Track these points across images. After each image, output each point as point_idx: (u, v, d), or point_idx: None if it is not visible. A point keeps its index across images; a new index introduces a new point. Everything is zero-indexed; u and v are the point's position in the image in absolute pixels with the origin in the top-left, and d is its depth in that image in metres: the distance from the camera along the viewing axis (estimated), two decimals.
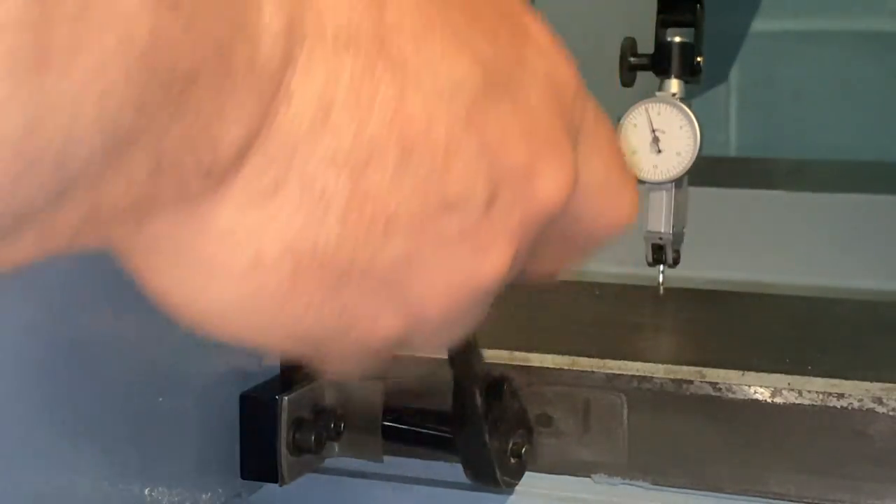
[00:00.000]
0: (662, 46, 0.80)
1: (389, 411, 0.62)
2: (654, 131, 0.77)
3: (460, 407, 0.57)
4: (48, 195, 0.25)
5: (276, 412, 0.61)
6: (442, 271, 0.33)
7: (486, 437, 0.56)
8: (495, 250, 0.34)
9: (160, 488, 0.58)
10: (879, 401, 0.57)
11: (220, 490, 0.62)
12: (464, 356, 0.56)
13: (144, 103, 0.25)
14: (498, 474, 0.57)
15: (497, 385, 0.57)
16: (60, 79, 0.23)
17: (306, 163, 0.29)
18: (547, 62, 0.36)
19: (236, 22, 0.27)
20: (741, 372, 0.59)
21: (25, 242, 0.26)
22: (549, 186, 0.34)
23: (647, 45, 0.82)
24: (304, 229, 0.30)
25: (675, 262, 0.80)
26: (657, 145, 0.76)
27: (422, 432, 0.61)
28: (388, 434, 0.62)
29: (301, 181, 0.29)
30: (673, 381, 0.60)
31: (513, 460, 0.58)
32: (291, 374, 0.64)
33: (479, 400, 0.56)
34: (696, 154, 0.76)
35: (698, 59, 0.80)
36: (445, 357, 0.57)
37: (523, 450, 0.58)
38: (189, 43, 0.25)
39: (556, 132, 0.35)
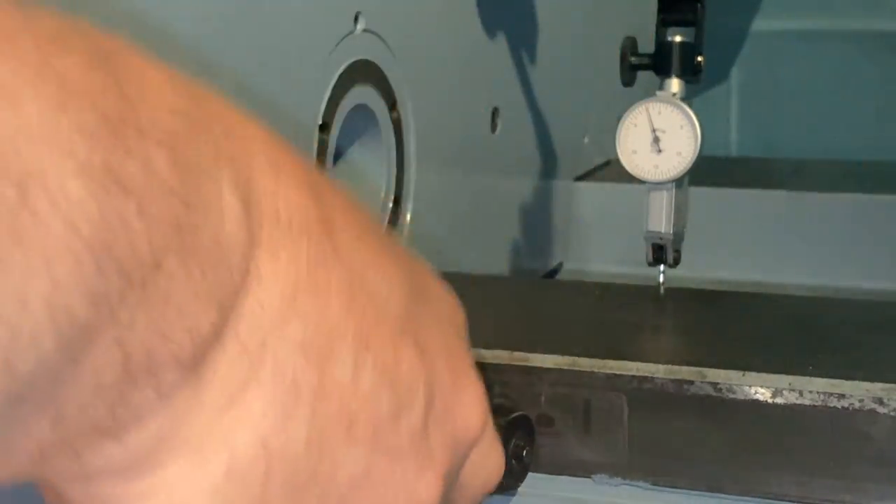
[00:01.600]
0: (663, 46, 0.80)
1: None
2: (654, 131, 0.76)
3: None
4: None
5: None
6: (389, 492, 0.31)
7: None
8: (432, 467, 0.33)
9: None
10: (881, 401, 0.56)
11: None
12: None
13: (102, 293, 0.23)
14: (500, 478, 0.57)
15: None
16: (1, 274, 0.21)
17: (277, 348, 0.28)
18: (442, 292, 0.36)
19: (196, 201, 0.25)
20: (742, 372, 0.59)
21: None
22: (469, 413, 0.35)
23: (647, 45, 0.82)
24: (277, 422, 0.28)
25: (676, 261, 0.79)
26: (658, 145, 0.76)
27: None
28: None
29: (273, 368, 0.28)
30: (673, 381, 0.60)
31: (514, 463, 0.58)
32: None
33: None
34: (696, 154, 0.76)
35: (699, 58, 0.80)
36: None
37: (525, 451, 0.58)
38: (145, 226, 0.24)
39: (467, 356, 0.36)
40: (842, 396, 0.57)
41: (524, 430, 0.59)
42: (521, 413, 0.58)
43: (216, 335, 0.27)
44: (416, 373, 0.32)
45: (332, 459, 0.30)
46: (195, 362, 0.26)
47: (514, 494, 0.62)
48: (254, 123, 0.30)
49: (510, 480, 0.58)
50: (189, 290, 0.25)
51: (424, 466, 0.33)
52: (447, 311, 0.36)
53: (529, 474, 0.61)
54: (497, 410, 0.56)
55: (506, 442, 0.58)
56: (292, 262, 0.28)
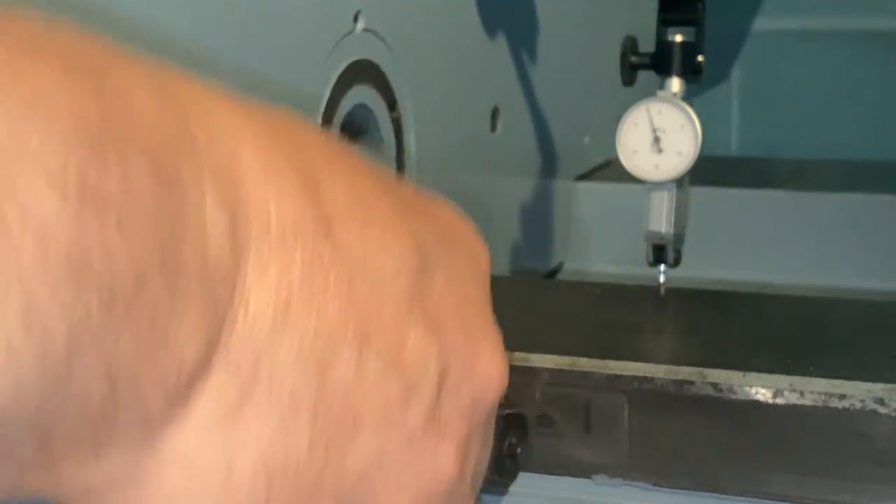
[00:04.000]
0: (663, 45, 0.80)
1: None
2: (654, 131, 0.76)
3: None
4: None
5: None
6: (405, 473, 0.31)
7: None
8: (449, 442, 0.33)
9: None
10: (881, 402, 0.56)
11: None
12: None
13: (83, 313, 0.22)
14: (491, 475, 0.57)
15: None
16: None
17: (273, 365, 0.27)
18: (464, 237, 0.36)
19: (178, 220, 0.25)
20: (742, 373, 0.59)
21: None
22: (488, 369, 0.34)
23: (648, 44, 0.82)
24: (275, 438, 0.28)
25: (677, 262, 0.79)
26: (658, 145, 0.76)
27: None
28: None
29: (269, 385, 0.27)
30: (674, 381, 0.60)
31: (507, 460, 0.58)
32: None
33: None
34: (697, 154, 0.76)
35: (699, 58, 0.79)
36: None
37: (518, 449, 0.58)
38: (125, 242, 0.23)
39: (485, 306, 0.35)
40: (843, 397, 0.57)
41: (518, 428, 0.59)
42: (516, 410, 0.58)
43: (205, 360, 0.26)
44: (426, 350, 0.32)
45: (340, 456, 0.29)
46: (184, 388, 0.26)
47: (505, 493, 0.62)
48: (242, 118, 0.29)
49: (503, 478, 0.58)
50: (175, 312, 0.24)
51: (441, 439, 0.32)
52: (466, 255, 0.35)
53: (530, 474, 0.61)
54: None
55: (500, 439, 0.57)
56: (284, 275, 0.28)
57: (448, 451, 0.33)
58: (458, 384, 0.33)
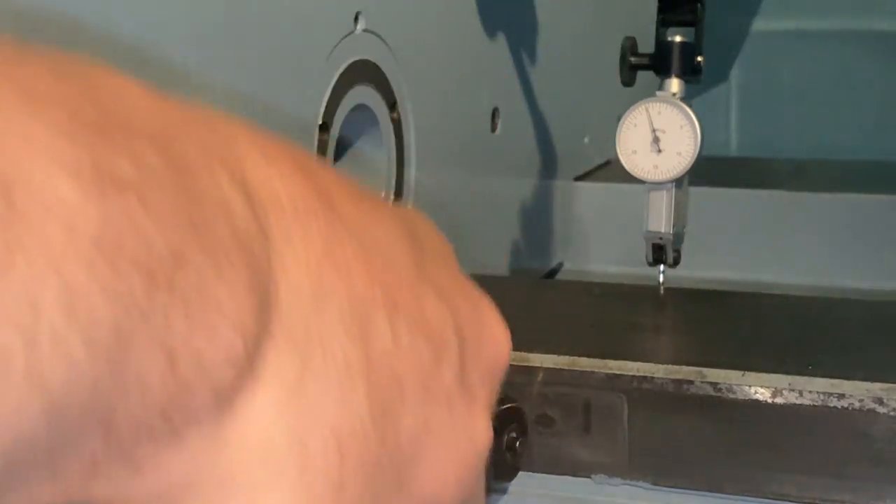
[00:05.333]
0: (663, 46, 0.80)
1: None
2: (654, 131, 0.76)
3: None
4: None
5: None
6: (452, 440, 0.32)
7: None
8: (480, 405, 0.33)
9: None
10: (880, 401, 0.56)
11: None
12: None
13: (126, 294, 0.22)
14: (491, 470, 0.57)
15: None
16: (3, 279, 0.20)
17: (322, 334, 0.27)
18: (425, 226, 0.37)
19: (199, 197, 0.25)
20: (741, 372, 0.59)
21: (30, 493, 0.22)
22: (496, 333, 0.35)
23: (647, 45, 0.82)
24: (340, 410, 0.28)
25: (676, 261, 0.79)
26: (657, 145, 0.76)
27: None
28: None
29: (324, 355, 0.27)
30: (673, 381, 0.60)
31: (507, 454, 0.58)
32: None
33: None
34: (696, 154, 0.76)
35: (699, 58, 0.80)
36: None
37: (518, 443, 0.58)
38: (153, 220, 0.23)
39: (467, 279, 0.36)
40: (842, 396, 0.57)
41: (517, 422, 0.59)
42: (515, 404, 0.58)
43: (264, 327, 0.26)
44: (443, 317, 0.32)
45: (395, 424, 0.30)
46: (250, 357, 0.26)
47: (505, 492, 0.62)
48: (233, 118, 0.29)
49: (504, 473, 0.58)
50: (223, 284, 0.24)
51: (472, 404, 0.33)
52: (440, 246, 0.36)
53: (530, 474, 0.61)
54: None
55: (499, 433, 0.58)
56: (309, 245, 0.28)
57: (481, 416, 0.33)
58: (474, 350, 0.34)
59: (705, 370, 0.59)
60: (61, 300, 0.21)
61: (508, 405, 0.58)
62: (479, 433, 0.33)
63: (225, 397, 0.25)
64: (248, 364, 0.25)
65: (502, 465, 0.58)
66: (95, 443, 0.23)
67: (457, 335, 0.33)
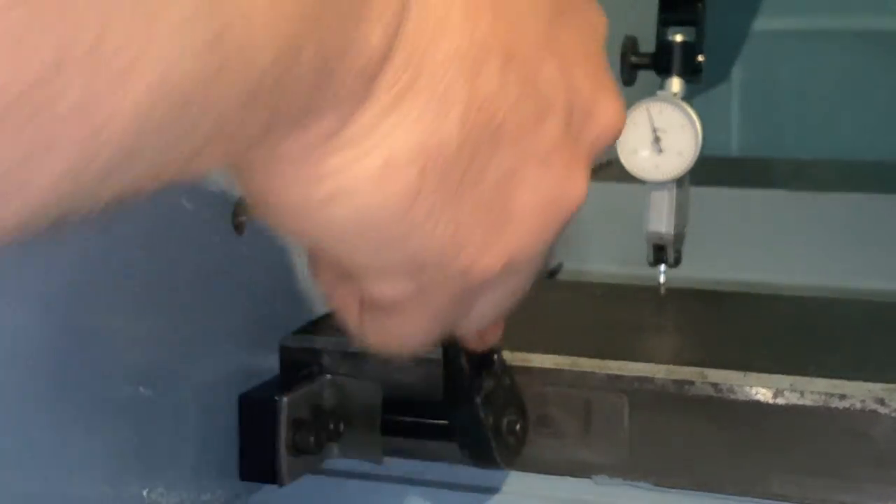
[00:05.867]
0: (663, 45, 0.80)
1: (388, 408, 0.62)
2: (655, 131, 0.76)
3: (451, 385, 0.56)
4: (238, 101, 0.26)
5: (276, 413, 0.60)
6: (539, 188, 0.35)
7: (480, 412, 0.56)
8: (578, 167, 0.37)
9: (159, 489, 0.58)
10: (882, 402, 0.56)
11: (220, 491, 0.62)
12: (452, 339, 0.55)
13: (307, 4, 0.26)
14: (494, 451, 0.57)
15: (486, 357, 0.56)
16: None
17: (433, 62, 0.31)
18: (583, 4, 0.39)
19: None
20: (743, 373, 0.59)
21: (214, 152, 0.27)
22: (609, 113, 0.38)
23: (648, 44, 0.82)
24: (430, 128, 0.31)
25: (677, 262, 0.79)
26: (658, 145, 0.76)
27: (419, 423, 0.61)
28: (386, 429, 0.62)
29: (429, 80, 0.31)
30: (674, 381, 0.60)
31: (509, 437, 0.58)
32: (291, 375, 0.64)
33: (466, 367, 0.55)
34: (697, 153, 0.76)
35: (700, 58, 0.79)
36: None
37: (518, 426, 0.58)
38: None
39: (606, 64, 0.38)
40: (843, 397, 0.57)
41: (515, 405, 0.58)
42: (496, 354, 0.57)
43: (390, 42, 0.30)
44: (556, 82, 0.35)
45: (483, 162, 0.33)
46: (376, 66, 0.30)
47: (507, 488, 0.62)
48: None
49: (505, 456, 0.58)
50: (360, 8, 0.28)
51: (571, 166, 0.36)
52: (588, 21, 0.38)
53: (530, 474, 0.61)
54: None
55: (498, 418, 0.57)
56: None
57: (579, 174, 0.37)
58: (583, 119, 0.37)
59: (706, 371, 0.59)
60: (269, 12, 0.25)
61: (507, 383, 0.57)
62: (572, 189, 0.36)
63: (354, 91, 0.30)
64: (369, 77, 0.30)
65: (504, 445, 0.57)
66: (270, 108, 0.27)
67: (565, 104, 0.35)
